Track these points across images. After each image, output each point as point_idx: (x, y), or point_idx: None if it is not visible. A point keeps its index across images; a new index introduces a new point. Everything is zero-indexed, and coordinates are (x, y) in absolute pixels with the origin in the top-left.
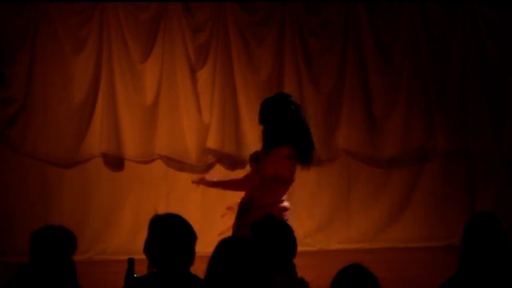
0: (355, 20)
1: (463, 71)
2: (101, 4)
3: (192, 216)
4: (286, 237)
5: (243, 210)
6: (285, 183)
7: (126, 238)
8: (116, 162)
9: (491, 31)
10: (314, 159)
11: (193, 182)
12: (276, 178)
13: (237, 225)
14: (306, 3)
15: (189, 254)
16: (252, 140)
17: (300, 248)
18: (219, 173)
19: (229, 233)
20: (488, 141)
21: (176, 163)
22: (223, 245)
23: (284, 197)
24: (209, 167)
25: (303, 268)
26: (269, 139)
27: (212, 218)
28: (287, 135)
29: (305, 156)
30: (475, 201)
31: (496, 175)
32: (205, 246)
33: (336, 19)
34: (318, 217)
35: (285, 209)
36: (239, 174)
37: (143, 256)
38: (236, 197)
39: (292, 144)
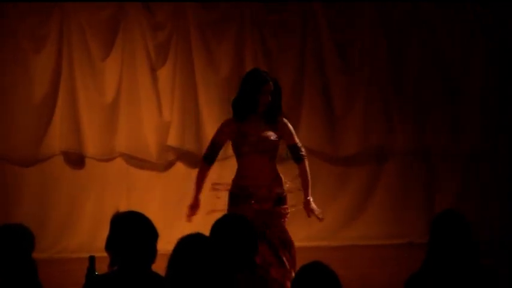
0: (314, 18)
1: (422, 70)
2: (60, 3)
3: (153, 214)
4: (247, 235)
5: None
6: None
7: (87, 236)
8: (76, 160)
9: (449, 30)
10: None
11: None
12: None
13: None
14: (265, 2)
15: (151, 252)
16: None
17: None
18: None
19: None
20: (447, 141)
21: (137, 161)
22: (183, 243)
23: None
24: (170, 164)
25: None
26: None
27: (173, 216)
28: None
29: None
30: (434, 200)
31: (455, 174)
32: (166, 244)
33: (295, 17)
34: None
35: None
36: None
37: (104, 254)
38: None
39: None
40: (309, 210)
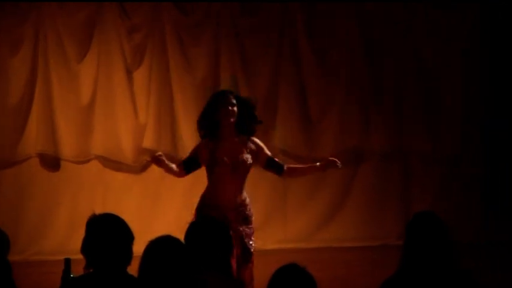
0: (291, 20)
1: (399, 72)
2: (36, 4)
3: (129, 217)
4: (222, 237)
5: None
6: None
7: (62, 238)
8: (52, 162)
9: (428, 33)
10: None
11: None
12: None
13: None
14: (242, 4)
15: (126, 254)
16: (189, 140)
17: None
18: None
19: None
20: (424, 142)
21: (112, 163)
22: (152, 245)
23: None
24: (145, 167)
25: None
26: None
27: (149, 218)
28: None
29: None
30: (410, 202)
31: (432, 176)
32: (142, 246)
33: (272, 20)
34: (254, 217)
35: None
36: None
37: (80, 256)
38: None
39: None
40: (331, 163)
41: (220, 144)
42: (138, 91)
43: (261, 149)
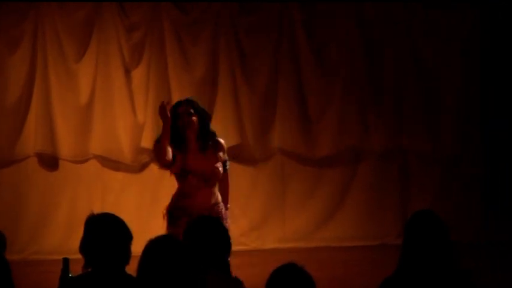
0: (290, 19)
1: (399, 71)
2: (35, 4)
3: (127, 216)
4: (221, 236)
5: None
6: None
7: (61, 238)
8: (50, 162)
9: (428, 33)
10: None
11: None
12: None
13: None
14: (241, 3)
15: (125, 254)
16: None
17: (234, 247)
18: None
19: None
20: (423, 141)
21: (111, 163)
22: (151, 245)
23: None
24: (144, 166)
25: (237, 267)
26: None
27: (147, 218)
28: None
29: None
30: (410, 201)
31: (432, 176)
32: (140, 246)
33: (270, 18)
34: (253, 216)
35: None
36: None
37: (78, 256)
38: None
39: None
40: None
41: (188, 157)
42: (137, 90)
43: (223, 151)
